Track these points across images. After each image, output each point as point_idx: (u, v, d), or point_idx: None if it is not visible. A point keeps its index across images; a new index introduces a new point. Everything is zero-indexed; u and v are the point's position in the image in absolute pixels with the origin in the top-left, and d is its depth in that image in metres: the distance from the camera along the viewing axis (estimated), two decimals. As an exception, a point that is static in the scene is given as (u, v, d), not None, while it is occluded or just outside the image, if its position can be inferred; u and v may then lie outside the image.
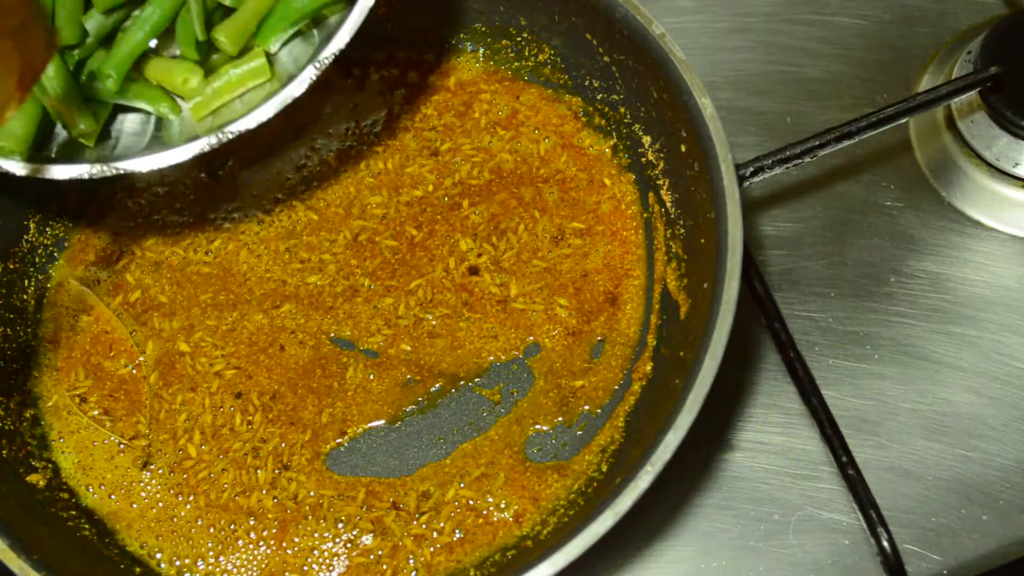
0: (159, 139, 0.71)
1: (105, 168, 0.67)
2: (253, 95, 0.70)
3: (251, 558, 0.72)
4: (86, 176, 0.67)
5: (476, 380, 0.77)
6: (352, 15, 0.68)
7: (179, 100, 0.72)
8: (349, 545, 0.72)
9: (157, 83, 0.72)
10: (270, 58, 0.72)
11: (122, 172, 0.67)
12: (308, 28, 0.72)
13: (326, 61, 0.67)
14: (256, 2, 0.70)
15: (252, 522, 0.73)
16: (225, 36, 0.69)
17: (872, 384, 0.80)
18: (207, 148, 0.67)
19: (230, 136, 0.67)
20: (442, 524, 0.72)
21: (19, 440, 0.74)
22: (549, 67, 0.84)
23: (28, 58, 0.63)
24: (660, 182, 0.78)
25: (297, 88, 0.67)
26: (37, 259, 0.80)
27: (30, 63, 0.63)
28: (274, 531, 0.73)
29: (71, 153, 0.70)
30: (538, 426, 0.75)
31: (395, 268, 0.80)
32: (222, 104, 0.71)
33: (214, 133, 0.67)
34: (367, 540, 0.72)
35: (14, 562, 0.63)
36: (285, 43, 0.72)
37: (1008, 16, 0.84)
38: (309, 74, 0.67)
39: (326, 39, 0.68)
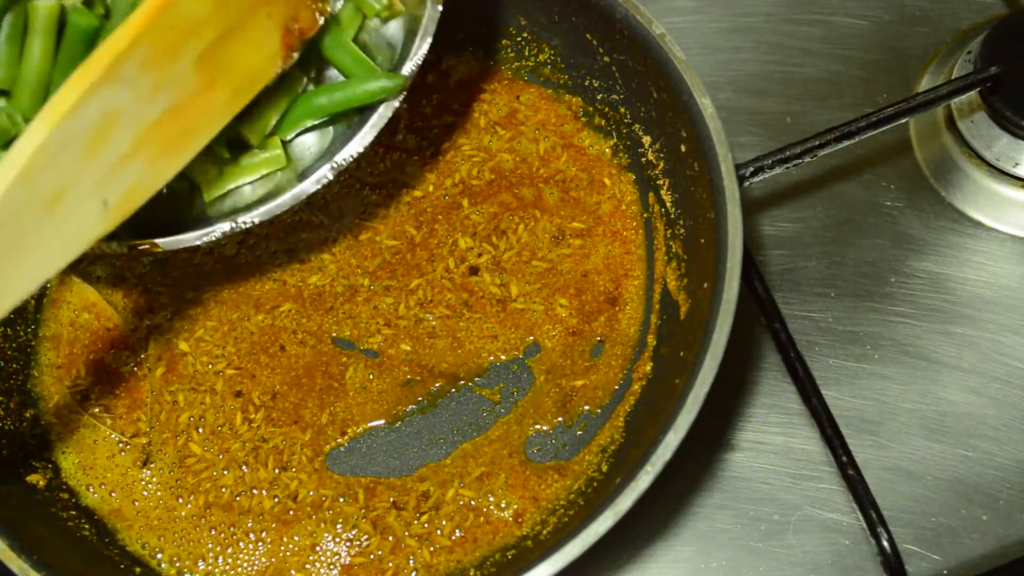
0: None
1: (117, 246, 0.66)
2: (265, 180, 0.71)
3: (251, 558, 0.72)
4: (99, 253, 0.66)
5: (476, 380, 0.77)
6: (372, 119, 0.68)
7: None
8: (349, 545, 0.72)
9: None
10: (284, 145, 0.72)
11: (135, 253, 0.66)
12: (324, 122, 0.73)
13: (343, 163, 0.68)
14: (279, 98, 0.70)
15: (251, 523, 0.73)
16: (249, 129, 0.69)
17: (872, 384, 0.80)
18: (221, 236, 0.67)
19: (244, 226, 0.67)
20: (442, 524, 0.72)
21: (19, 440, 0.74)
22: (549, 67, 0.84)
23: (292, 12, 0.62)
24: (660, 182, 0.78)
25: (312, 186, 0.68)
26: (37, 259, 0.80)
27: (294, 19, 0.62)
28: (274, 531, 0.73)
29: None
30: (538, 426, 0.75)
31: (395, 268, 0.80)
32: (234, 187, 0.71)
33: (229, 220, 0.67)
34: (367, 540, 0.72)
35: (14, 562, 0.63)
36: (299, 132, 0.73)
37: (1008, 16, 0.84)
38: (325, 173, 0.68)
39: (342, 134, 0.69)
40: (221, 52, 0.59)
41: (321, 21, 0.66)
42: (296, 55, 0.65)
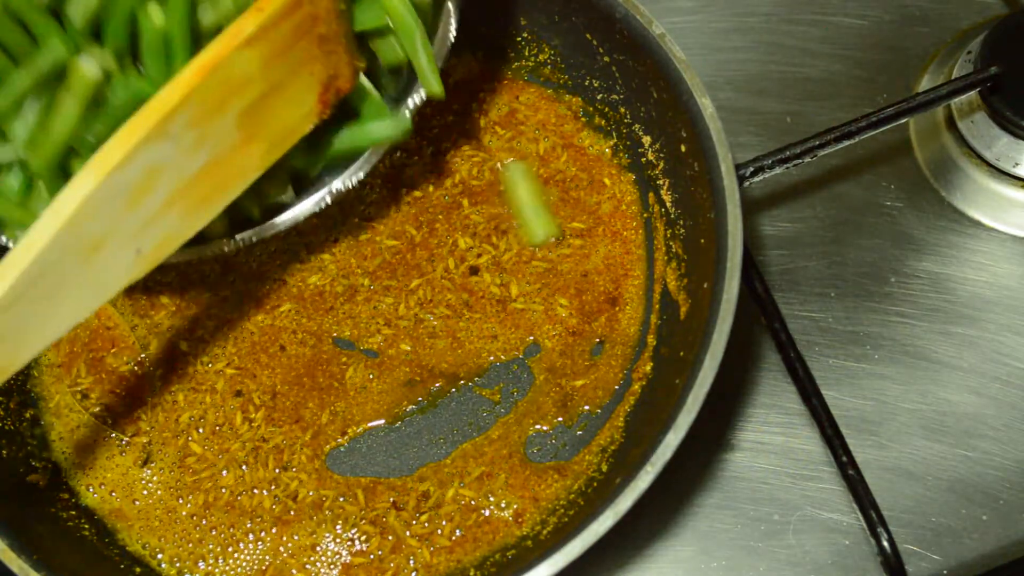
0: None
1: None
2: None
3: (251, 558, 0.72)
4: None
5: (476, 380, 0.77)
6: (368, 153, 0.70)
7: None
8: (349, 545, 0.72)
9: None
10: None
11: None
12: None
13: (342, 189, 0.70)
14: None
15: (251, 524, 0.73)
16: None
17: (872, 384, 0.80)
18: (225, 251, 0.70)
19: (241, 245, 0.70)
20: (442, 524, 0.72)
21: (19, 440, 0.74)
22: (549, 67, 0.84)
23: (333, 71, 0.63)
24: (660, 182, 0.78)
25: (311, 207, 0.70)
26: (37, 259, 0.80)
27: (334, 77, 0.63)
28: (274, 531, 0.73)
29: None
30: (538, 426, 0.75)
31: (395, 268, 0.80)
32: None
33: (227, 239, 0.69)
34: (367, 540, 0.72)
35: (14, 562, 0.63)
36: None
37: (1008, 16, 0.84)
38: (324, 197, 0.70)
39: (344, 159, 0.71)
40: (263, 109, 0.59)
41: (356, 80, 0.67)
42: (330, 110, 0.66)
